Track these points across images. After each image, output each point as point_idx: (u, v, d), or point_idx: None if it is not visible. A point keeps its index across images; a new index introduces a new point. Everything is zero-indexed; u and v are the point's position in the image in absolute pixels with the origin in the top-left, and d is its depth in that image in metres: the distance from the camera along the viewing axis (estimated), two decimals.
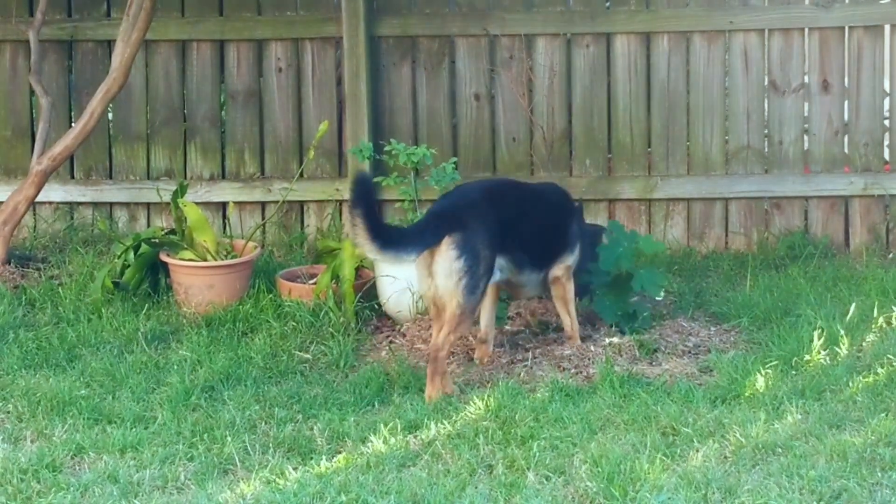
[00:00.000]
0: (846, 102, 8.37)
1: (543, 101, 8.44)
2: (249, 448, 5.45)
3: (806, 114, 8.41)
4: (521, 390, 6.02)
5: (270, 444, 5.49)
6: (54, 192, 8.54)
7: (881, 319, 6.78)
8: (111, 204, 8.68)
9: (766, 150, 8.43)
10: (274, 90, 8.59)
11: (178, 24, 8.57)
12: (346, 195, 7.31)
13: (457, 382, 6.20)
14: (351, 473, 5.17)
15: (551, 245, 6.57)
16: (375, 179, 7.89)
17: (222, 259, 7.37)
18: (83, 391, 6.08)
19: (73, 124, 8.27)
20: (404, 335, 6.92)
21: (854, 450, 5.26)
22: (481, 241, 6.13)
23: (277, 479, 5.13)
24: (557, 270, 6.57)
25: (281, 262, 8.05)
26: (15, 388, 6.13)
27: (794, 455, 5.24)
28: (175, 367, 6.39)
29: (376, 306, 7.13)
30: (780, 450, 5.32)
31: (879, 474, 5.08)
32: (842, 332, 6.50)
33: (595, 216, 8.32)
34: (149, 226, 8.52)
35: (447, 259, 6.07)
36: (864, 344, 6.52)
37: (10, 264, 7.72)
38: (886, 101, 8.38)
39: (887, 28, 8.29)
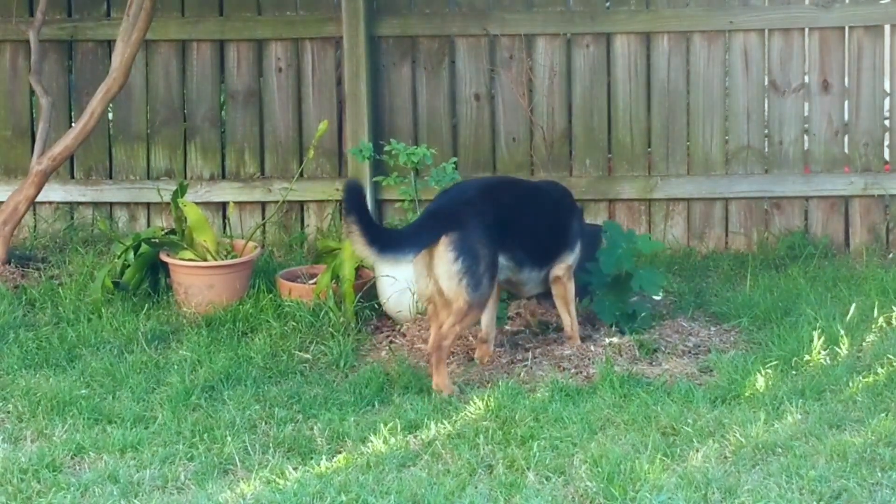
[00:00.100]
0: (846, 102, 8.37)
1: (543, 101, 8.44)
2: (249, 448, 5.45)
3: (806, 114, 8.41)
4: (521, 390, 6.03)
5: (270, 444, 5.49)
6: (54, 192, 8.54)
7: (881, 319, 6.78)
8: (111, 204, 8.68)
9: (766, 150, 8.43)
10: (274, 90, 8.59)
11: (179, 24, 8.57)
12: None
13: (457, 382, 6.20)
14: (351, 473, 5.17)
15: (552, 243, 6.57)
16: (375, 179, 7.92)
17: (222, 259, 7.37)
18: (83, 391, 6.08)
19: (73, 124, 8.27)
20: (404, 335, 6.92)
21: (854, 450, 5.26)
22: (479, 240, 6.12)
23: (277, 479, 5.13)
24: (558, 270, 6.57)
25: (281, 262, 8.05)
26: (15, 387, 6.13)
27: (794, 455, 5.24)
28: (175, 366, 6.39)
29: (376, 306, 7.13)
30: (780, 450, 5.33)
31: (879, 474, 5.09)
32: (842, 332, 6.50)
33: (595, 216, 8.32)
34: (149, 226, 8.52)
35: (446, 261, 6.08)
36: (864, 344, 6.52)
37: (10, 264, 7.72)
38: (886, 101, 8.38)
39: (887, 28, 8.29)
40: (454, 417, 5.74)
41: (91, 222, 8.58)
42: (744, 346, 6.68)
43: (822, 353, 6.32)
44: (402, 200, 7.62)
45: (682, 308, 7.24)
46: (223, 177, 8.64)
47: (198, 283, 7.22)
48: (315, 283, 7.18)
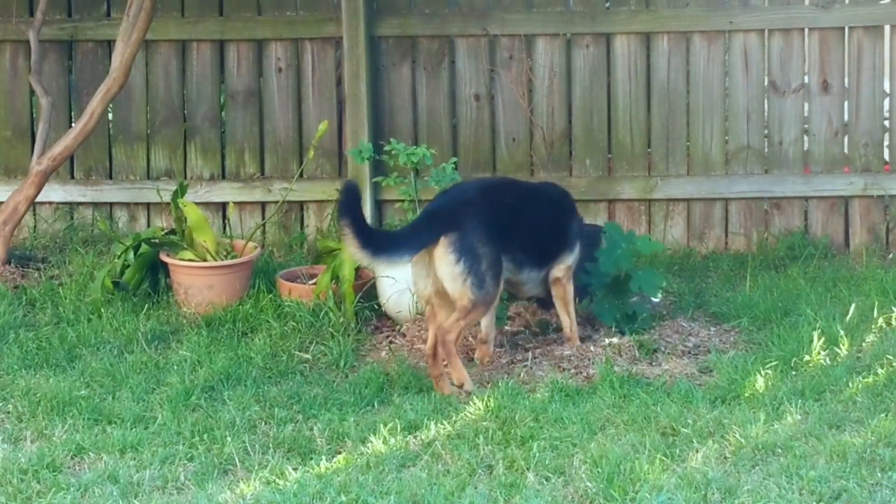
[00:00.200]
0: (846, 103, 8.37)
1: (543, 101, 8.44)
2: (249, 448, 5.45)
3: (806, 114, 8.41)
4: (520, 390, 6.03)
5: (270, 445, 5.49)
6: (54, 193, 8.54)
7: (881, 320, 6.78)
8: (111, 204, 8.68)
9: (766, 150, 8.43)
10: (274, 90, 8.59)
11: (178, 24, 8.57)
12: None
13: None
14: (351, 474, 5.17)
15: (551, 244, 6.57)
16: (375, 180, 7.92)
17: (222, 259, 7.37)
18: (83, 391, 6.08)
19: (73, 124, 8.27)
20: (404, 335, 6.92)
21: (854, 450, 5.26)
22: (478, 240, 6.12)
23: (277, 480, 5.14)
24: (558, 271, 6.57)
25: (281, 263, 8.05)
26: (15, 388, 6.13)
27: (794, 455, 5.24)
28: (175, 367, 6.39)
29: (376, 306, 7.13)
30: (779, 450, 5.33)
31: (879, 475, 5.09)
32: (841, 332, 6.50)
33: (595, 216, 8.32)
34: (149, 226, 8.51)
35: (447, 263, 6.08)
36: (863, 344, 6.52)
37: (10, 264, 7.72)
38: (886, 102, 8.38)
39: (887, 28, 8.29)
40: (454, 418, 5.74)
41: (91, 222, 8.58)
42: (743, 347, 6.68)
43: (822, 353, 6.32)
44: (402, 201, 7.62)
45: (681, 308, 7.24)
46: (223, 177, 8.65)
47: (198, 283, 7.22)
48: (315, 284, 7.18)
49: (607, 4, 8.45)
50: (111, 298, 7.22)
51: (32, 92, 8.36)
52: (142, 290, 7.36)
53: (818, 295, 7.28)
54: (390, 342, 6.84)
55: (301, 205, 8.57)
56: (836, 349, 6.38)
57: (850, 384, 6.00)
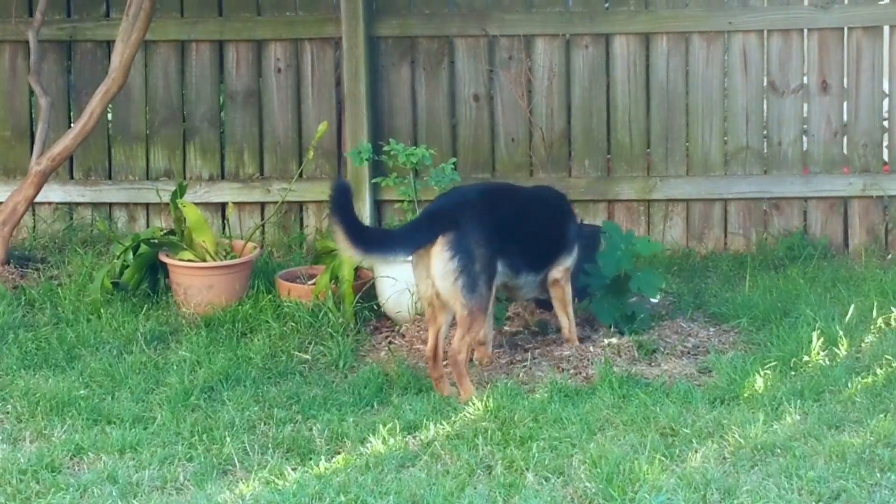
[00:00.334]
0: (845, 103, 8.37)
1: (542, 101, 8.44)
2: (248, 448, 5.45)
3: (805, 115, 8.41)
4: (520, 391, 6.03)
5: (269, 445, 5.49)
6: (53, 193, 8.54)
7: (880, 320, 6.78)
8: (110, 204, 8.68)
9: (765, 150, 8.43)
10: (273, 90, 8.59)
11: (178, 25, 8.57)
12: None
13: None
14: (350, 474, 5.17)
15: (548, 248, 6.57)
16: (375, 180, 7.91)
17: (221, 259, 7.37)
18: (82, 391, 6.08)
19: (72, 125, 8.27)
20: (403, 336, 6.92)
21: (853, 451, 5.26)
22: (476, 241, 6.11)
23: (276, 480, 5.14)
24: (556, 273, 6.57)
25: (280, 263, 8.05)
26: (14, 388, 6.13)
27: (793, 456, 5.24)
28: (174, 367, 6.39)
29: (375, 307, 7.13)
30: (779, 450, 5.33)
31: (878, 475, 5.09)
32: (841, 332, 6.50)
33: (594, 217, 8.32)
34: (148, 226, 8.51)
35: (442, 260, 6.08)
36: (862, 345, 6.53)
37: (9, 265, 7.72)
38: (885, 102, 8.38)
39: (886, 29, 8.29)
40: (453, 418, 5.74)
41: (90, 223, 8.57)
42: (743, 347, 6.68)
43: (821, 353, 6.32)
44: (402, 201, 7.62)
45: (681, 309, 7.24)
46: (222, 177, 8.64)
47: (197, 283, 7.22)
48: (314, 284, 7.18)
49: (606, 5, 8.44)
50: (110, 299, 7.22)
51: (32, 92, 8.36)
52: (141, 291, 7.36)
53: (817, 295, 7.28)
54: (389, 342, 6.84)
55: (300, 205, 8.57)
56: (836, 349, 6.38)
57: (850, 384, 6.00)
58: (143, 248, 7.41)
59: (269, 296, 7.17)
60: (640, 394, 5.93)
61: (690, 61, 8.38)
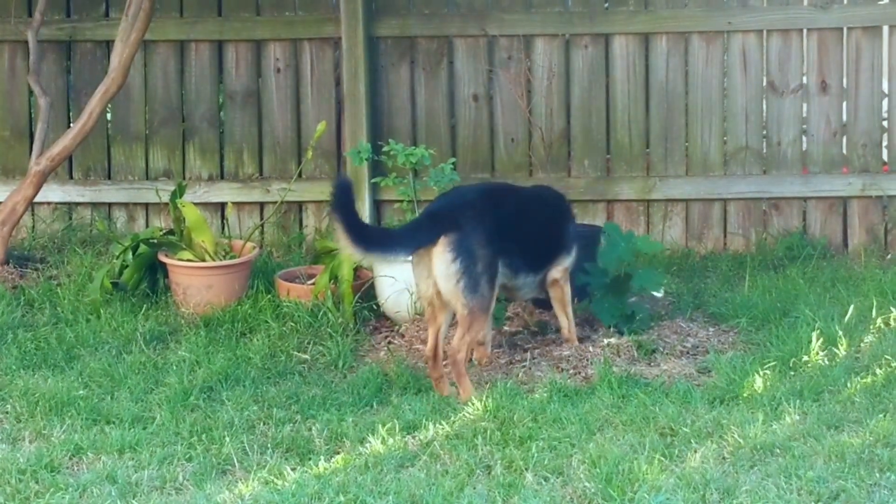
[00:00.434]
0: (844, 103, 8.37)
1: (542, 101, 8.44)
2: (248, 448, 5.45)
3: (804, 115, 8.41)
4: (519, 391, 6.03)
5: (269, 445, 5.49)
6: (53, 193, 8.54)
7: (879, 320, 6.78)
8: (110, 204, 8.68)
9: (765, 150, 8.43)
10: (272, 90, 8.59)
11: (177, 25, 8.57)
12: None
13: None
14: (349, 474, 5.17)
15: (547, 248, 6.57)
16: (374, 180, 7.91)
17: (221, 259, 7.37)
18: (82, 391, 6.08)
19: (71, 125, 8.27)
20: (403, 335, 6.92)
21: (852, 451, 5.26)
22: (477, 241, 6.11)
23: (276, 480, 5.14)
24: (555, 273, 6.57)
25: (279, 263, 8.05)
26: (13, 388, 6.13)
27: (793, 456, 5.24)
28: (173, 367, 6.39)
29: (375, 307, 7.13)
30: (778, 450, 5.33)
31: (877, 475, 5.09)
32: (840, 332, 6.50)
33: (594, 217, 8.33)
34: (147, 226, 8.51)
35: (444, 261, 6.07)
36: (862, 345, 6.53)
37: (8, 265, 7.72)
38: (885, 102, 8.38)
39: (885, 29, 8.29)
40: (452, 418, 5.74)
41: (89, 223, 8.57)
42: (742, 347, 6.68)
43: (821, 353, 6.32)
44: (401, 201, 7.62)
45: (680, 309, 7.24)
46: (222, 177, 8.64)
47: (196, 283, 7.22)
48: (313, 284, 7.18)
49: (606, 5, 8.44)
50: (110, 299, 7.22)
51: (31, 92, 8.36)
52: (140, 291, 7.36)
53: (817, 295, 7.28)
54: (389, 342, 6.84)
55: (300, 205, 8.57)
56: (835, 349, 6.38)
57: (849, 385, 6.00)
58: (143, 248, 7.42)
59: (269, 296, 7.17)
60: (639, 394, 5.93)
61: (690, 61, 8.39)
